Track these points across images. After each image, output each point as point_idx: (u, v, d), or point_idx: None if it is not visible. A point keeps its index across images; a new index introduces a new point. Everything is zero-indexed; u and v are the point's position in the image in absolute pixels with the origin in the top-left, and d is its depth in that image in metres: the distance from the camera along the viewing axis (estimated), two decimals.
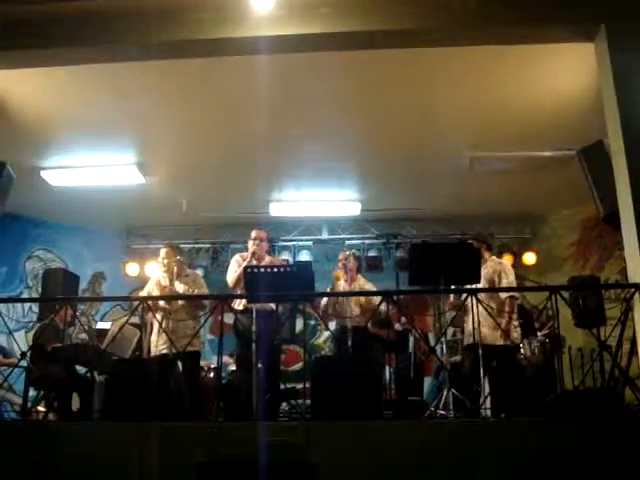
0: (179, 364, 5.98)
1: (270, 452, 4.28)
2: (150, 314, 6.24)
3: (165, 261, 6.71)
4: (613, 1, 5.62)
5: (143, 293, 6.80)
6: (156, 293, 6.67)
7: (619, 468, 4.25)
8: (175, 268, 6.67)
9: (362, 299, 7.05)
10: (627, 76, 5.42)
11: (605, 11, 5.58)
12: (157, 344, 6.44)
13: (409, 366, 8.07)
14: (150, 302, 6.13)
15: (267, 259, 6.91)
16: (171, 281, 6.59)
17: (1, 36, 5.77)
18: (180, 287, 6.67)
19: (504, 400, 5.69)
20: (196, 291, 6.74)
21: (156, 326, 6.40)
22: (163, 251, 6.81)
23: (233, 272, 6.72)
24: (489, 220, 10.22)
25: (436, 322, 10.02)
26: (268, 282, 5.72)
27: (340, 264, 7.35)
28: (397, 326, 8.26)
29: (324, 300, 7.21)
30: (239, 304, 6.45)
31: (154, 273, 6.94)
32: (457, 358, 7.40)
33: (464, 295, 5.77)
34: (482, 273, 6.27)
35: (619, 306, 5.39)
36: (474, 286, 5.97)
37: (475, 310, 5.54)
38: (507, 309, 6.21)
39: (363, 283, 7.45)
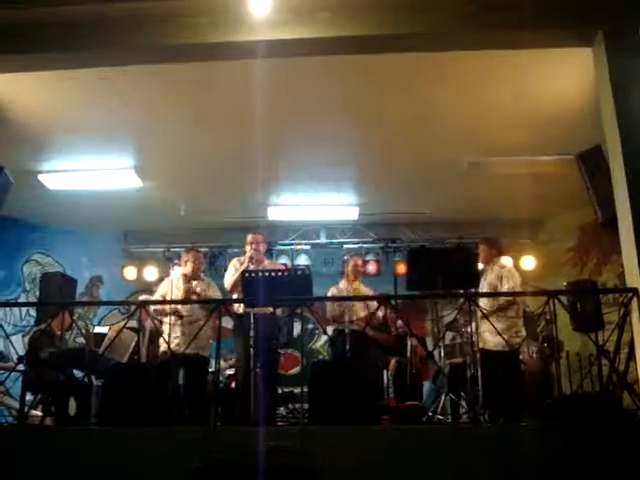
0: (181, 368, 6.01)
1: (267, 457, 4.26)
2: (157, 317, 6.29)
3: (196, 264, 6.87)
4: (611, 7, 5.62)
5: (158, 294, 6.85)
6: (180, 292, 6.72)
7: (617, 473, 4.24)
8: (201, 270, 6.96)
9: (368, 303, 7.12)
10: (624, 81, 5.42)
11: (603, 16, 5.58)
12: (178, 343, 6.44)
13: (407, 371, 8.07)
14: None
15: (266, 263, 6.90)
16: (189, 282, 6.75)
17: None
18: (198, 288, 6.77)
19: (502, 405, 5.67)
20: (212, 289, 6.84)
21: (175, 328, 6.42)
22: (193, 254, 6.97)
23: (230, 276, 6.73)
24: (487, 224, 10.21)
25: (434, 326, 10.01)
26: (266, 286, 5.72)
27: (351, 269, 7.44)
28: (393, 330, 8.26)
29: (328, 307, 7.27)
30: (238, 308, 6.45)
31: (173, 275, 6.97)
32: (457, 360, 7.40)
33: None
34: (488, 277, 6.29)
35: (617, 310, 5.39)
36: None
37: (478, 314, 5.56)
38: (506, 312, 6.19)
39: (362, 289, 7.53)
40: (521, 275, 6.92)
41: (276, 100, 6.73)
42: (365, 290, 7.54)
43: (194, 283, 6.77)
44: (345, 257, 7.79)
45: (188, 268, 6.82)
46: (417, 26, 5.70)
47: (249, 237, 6.85)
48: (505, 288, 6.33)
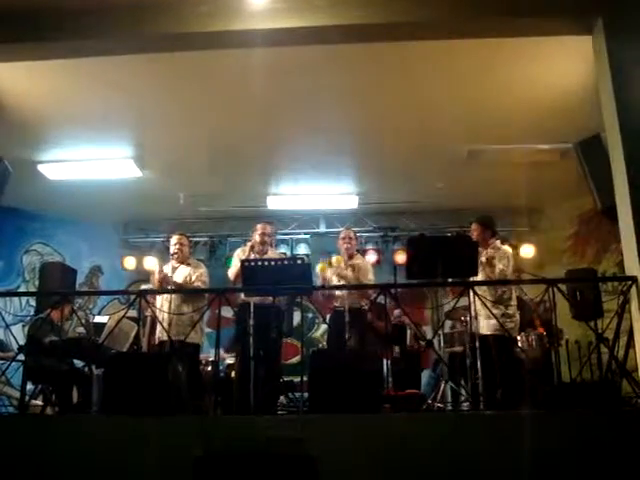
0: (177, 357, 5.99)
1: (268, 445, 4.28)
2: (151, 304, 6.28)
3: (176, 247, 6.80)
4: None
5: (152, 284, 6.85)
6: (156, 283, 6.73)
7: (617, 460, 4.27)
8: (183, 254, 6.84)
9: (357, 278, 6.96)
10: (624, 69, 5.42)
11: (603, 4, 5.58)
12: (161, 332, 6.44)
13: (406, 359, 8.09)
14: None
15: (270, 253, 6.86)
16: (174, 269, 6.68)
17: None
18: (186, 270, 6.75)
19: (496, 392, 5.68)
20: (197, 274, 6.77)
21: (159, 315, 6.40)
22: (176, 237, 6.90)
23: (234, 266, 6.71)
24: (487, 213, 10.17)
25: (434, 315, 10.03)
26: (265, 275, 5.72)
27: (341, 242, 7.18)
28: (393, 318, 8.26)
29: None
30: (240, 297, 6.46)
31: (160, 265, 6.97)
32: (458, 348, 7.41)
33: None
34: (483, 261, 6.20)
35: (616, 299, 5.40)
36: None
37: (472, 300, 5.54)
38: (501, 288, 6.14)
39: (359, 261, 7.23)
40: (520, 263, 6.87)
41: (275, 89, 6.74)
42: (363, 265, 7.20)
43: (181, 267, 6.74)
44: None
45: (173, 254, 6.80)
46: (415, 14, 5.69)
47: (259, 226, 6.81)
48: (497, 271, 6.25)
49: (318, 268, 6.89)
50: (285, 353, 6.99)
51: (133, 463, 4.45)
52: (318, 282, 6.86)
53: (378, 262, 10.23)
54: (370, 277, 7.01)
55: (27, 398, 6.41)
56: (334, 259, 7.00)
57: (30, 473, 4.53)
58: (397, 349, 8.23)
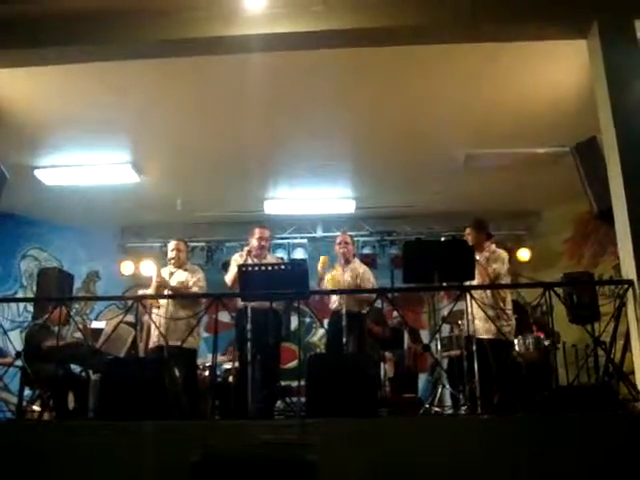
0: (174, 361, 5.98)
1: (266, 450, 4.28)
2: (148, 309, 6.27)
3: (173, 253, 6.79)
4: None
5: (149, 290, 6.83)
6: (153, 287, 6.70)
7: (615, 463, 4.26)
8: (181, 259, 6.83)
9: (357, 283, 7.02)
10: (619, 72, 5.44)
11: (597, 8, 5.59)
12: (158, 337, 6.43)
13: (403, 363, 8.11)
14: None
15: (268, 258, 6.87)
16: (171, 274, 6.65)
17: None
18: (183, 275, 6.74)
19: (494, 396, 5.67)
20: (195, 279, 6.75)
21: (156, 320, 6.38)
22: (174, 243, 6.88)
23: (231, 272, 6.71)
24: (484, 216, 10.18)
25: (431, 319, 10.03)
26: (262, 280, 5.72)
27: (338, 247, 7.26)
28: (390, 322, 8.27)
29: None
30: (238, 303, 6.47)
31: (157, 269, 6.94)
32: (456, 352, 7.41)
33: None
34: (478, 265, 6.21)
35: (613, 302, 5.41)
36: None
37: (469, 304, 5.54)
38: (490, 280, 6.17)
39: (358, 266, 7.30)
40: (517, 266, 6.87)
41: (273, 94, 6.75)
42: (360, 270, 7.24)
43: (179, 272, 6.73)
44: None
45: (170, 260, 6.79)
46: (412, 19, 5.71)
47: (257, 230, 6.81)
48: (490, 270, 6.27)
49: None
50: (282, 357, 6.97)
51: (130, 468, 4.44)
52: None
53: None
54: (372, 282, 7.05)
55: (24, 403, 6.41)
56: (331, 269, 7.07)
57: (27, 478, 4.52)
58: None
